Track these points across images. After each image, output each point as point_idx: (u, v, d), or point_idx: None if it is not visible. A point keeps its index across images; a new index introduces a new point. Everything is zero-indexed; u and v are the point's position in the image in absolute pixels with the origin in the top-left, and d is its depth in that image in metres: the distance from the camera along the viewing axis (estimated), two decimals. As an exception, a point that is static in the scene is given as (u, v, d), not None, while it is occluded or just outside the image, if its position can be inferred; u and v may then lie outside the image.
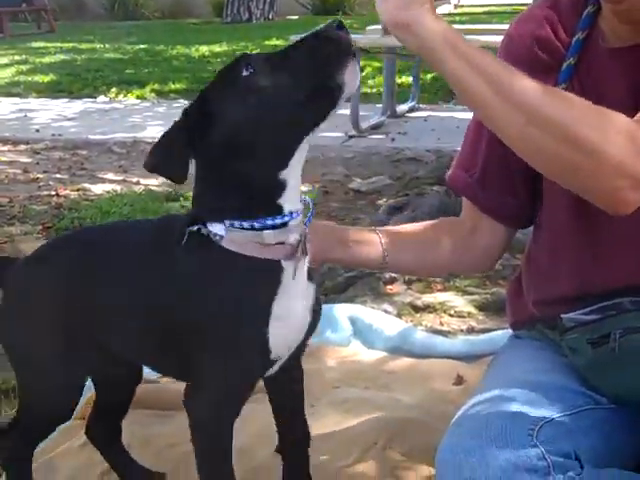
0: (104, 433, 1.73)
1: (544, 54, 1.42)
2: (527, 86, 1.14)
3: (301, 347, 1.41)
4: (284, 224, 1.26)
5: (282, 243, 1.27)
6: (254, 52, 1.28)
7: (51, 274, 1.48)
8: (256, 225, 1.25)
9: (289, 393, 1.53)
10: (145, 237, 1.42)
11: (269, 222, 1.25)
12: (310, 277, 1.35)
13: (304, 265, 1.31)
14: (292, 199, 1.27)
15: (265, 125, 1.20)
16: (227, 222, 1.26)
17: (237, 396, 1.36)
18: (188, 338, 1.32)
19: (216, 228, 1.27)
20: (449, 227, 1.65)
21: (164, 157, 1.24)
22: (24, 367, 1.52)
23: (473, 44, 1.17)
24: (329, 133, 5.35)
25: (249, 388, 1.37)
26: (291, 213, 1.27)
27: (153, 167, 1.24)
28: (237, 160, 1.22)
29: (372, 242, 1.57)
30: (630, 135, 1.13)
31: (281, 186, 1.25)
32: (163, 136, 1.25)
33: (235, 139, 1.21)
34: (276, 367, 1.36)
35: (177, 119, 1.26)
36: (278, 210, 1.26)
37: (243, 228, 1.26)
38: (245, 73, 1.21)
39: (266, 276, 1.27)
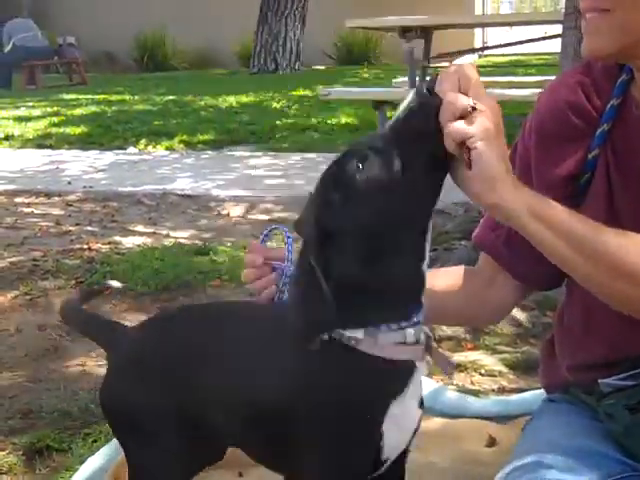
0: None
1: (578, 120, 1.43)
2: (611, 243, 1.18)
3: (406, 449, 1.34)
4: (418, 322, 1.19)
5: (417, 342, 1.19)
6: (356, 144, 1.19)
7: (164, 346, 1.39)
8: (403, 324, 1.17)
9: None
10: (262, 326, 1.33)
11: (415, 319, 1.18)
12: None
13: (424, 366, 1.24)
14: (421, 300, 1.20)
15: (388, 224, 1.13)
16: (371, 326, 1.17)
17: None
18: (305, 437, 1.23)
19: (352, 332, 1.17)
20: (463, 278, 1.62)
21: (311, 303, 1.15)
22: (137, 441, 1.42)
23: (553, 207, 1.19)
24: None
25: None
26: (420, 309, 1.20)
27: (304, 319, 1.17)
28: (376, 265, 1.14)
29: None
30: None
31: (423, 279, 1.18)
32: (296, 272, 1.19)
33: (372, 245, 1.13)
34: (383, 470, 1.28)
35: (299, 265, 1.17)
36: (420, 305, 1.19)
37: (390, 330, 1.17)
38: (357, 173, 1.12)
39: (399, 379, 1.19)
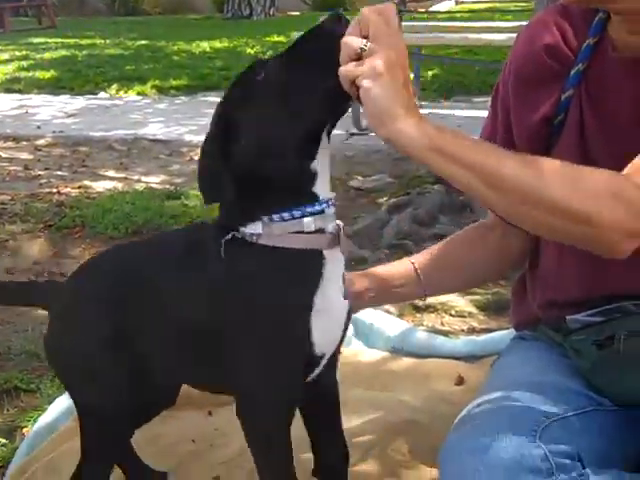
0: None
1: (553, 62, 1.42)
2: (513, 169, 1.16)
3: (336, 350, 1.39)
4: (321, 211, 1.27)
5: (322, 232, 1.27)
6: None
7: (96, 291, 1.45)
8: (295, 214, 1.26)
9: (324, 407, 1.49)
10: (181, 250, 1.39)
11: (308, 209, 1.26)
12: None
13: (341, 257, 1.31)
14: (325, 187, 1.28)
15: (285, 126, 1.22)
16: (265, 218, 1.26)
17: (289, 399, 1.34)
18: (234, 344, 1.30)
19: (251, 228, 1.27)
20: (480, 238, 1.65)
21: (210, 189, 1.27)
22: (82, 385, 1.47)
23: (455, 140, 1.16)
24: (330, 131, 5.36)
25: (299, 389, 1.34)
26: (327, 201, 1.28)
27: (207, 200, 1.28)
28: (268, 159, 1.24)
29: (411, 281, 1.60)
30: (614, 194, 1.16)
31: (313, 176, 1.26)
32: (200, 166, 1.28)
33: (263, 141, 1.23)
34: (321, 367, 1.34)
35: (204, 143, 1.28)
36: (314, 197, 1.26)
37: (283, 220, 1.26)
38: (258, 77, 1.23)
39: (308, 269, 1.27)
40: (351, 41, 1.14)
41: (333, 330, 1.32)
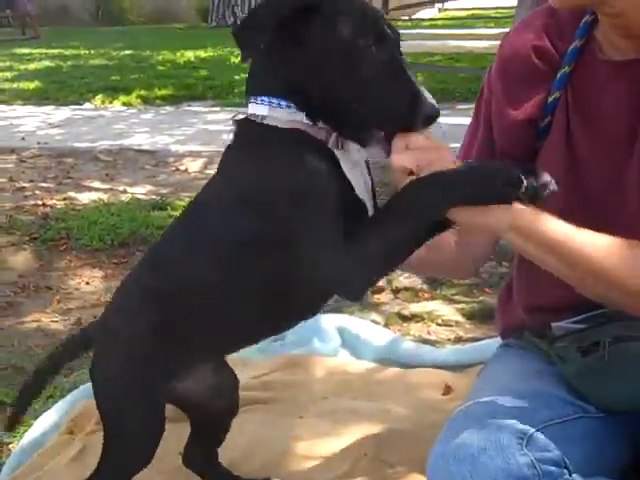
0: (200, 459, 1.73)
1: (542, 63, 1.43)
2: (584, 250, 1.24)
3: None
4: None
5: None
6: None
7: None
8: (293, 106, 1.24)
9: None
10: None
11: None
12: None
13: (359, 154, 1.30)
14: None
15: (349, 81, 1.21)
16: (270, 101, 1.25)
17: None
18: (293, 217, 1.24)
19: (257, 110, 1.26)
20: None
21: (249, 35, 1.21)
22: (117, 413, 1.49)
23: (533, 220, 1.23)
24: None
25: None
26: None
27: (237, 37, 1.21)
28: (321, 78, 1.21)
29: None
30: None
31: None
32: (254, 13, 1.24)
33: (320, 59, 1.20)
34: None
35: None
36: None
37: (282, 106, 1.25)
38: (370, 41, 1.20)
39: (324, 150, 1.26)
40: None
41: (363, 187, 1.30)
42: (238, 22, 1.19)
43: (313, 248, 1.24)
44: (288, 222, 1.24)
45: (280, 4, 1.19)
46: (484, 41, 4.88)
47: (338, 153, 1.26)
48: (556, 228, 1.24)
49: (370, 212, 1.28)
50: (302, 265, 1.27)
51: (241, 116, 1.31)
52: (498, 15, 9.30)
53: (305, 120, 1.25)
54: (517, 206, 1.20)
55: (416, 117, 1.21)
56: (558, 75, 1.40)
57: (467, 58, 7.55)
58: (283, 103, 1.24)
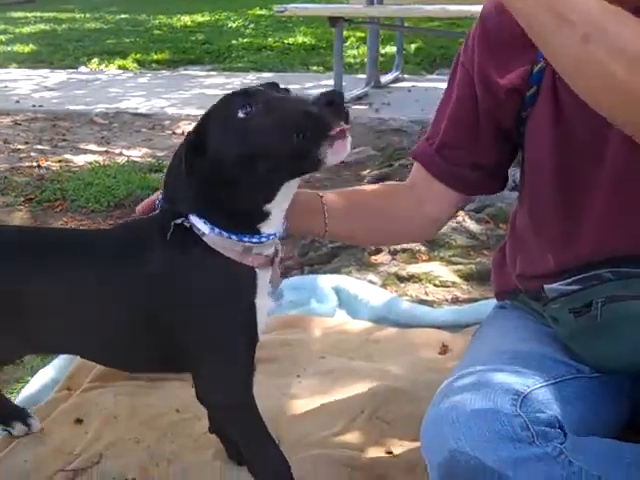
0: None
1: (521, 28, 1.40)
2: (589, 5, 1.09)
3: None
4: (259, 242, 1.35)
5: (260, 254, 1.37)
6: (253, 87, 1.31)
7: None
8: (233, 237, 1.33)
9: None
10: (112, 237, 1.48)
11: (245, 239, 1.34)
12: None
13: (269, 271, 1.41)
14: (274, 225, 1.35)
15: (251, 167, 1.26)
16: (213, 227, 1.33)
17: (249, 380, 1.45)
18: (181, 332, 1.39)
19: (200, 225, 1.34)
20: (395, 194, 1.63)
21: (174, 193, 1.31)
22: None
23: None
24: (313, 104, 5.32)
25: (252, 372, 1.46)
26: (270, 235, 1.36)
27: (168, 203, 1.33)
28: (225, 187, 1.29)
29: (315, 213, 1.54)
30: None
31: (264, 215, 1.33)
32: (169, 169, 1.33)
33: (225, 171, 1.27)
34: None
35: (179, 148, 1.31)
36: (258, 232, 1.34)
37: (223, 236, 1.33)
38: (241, 114, 1.25)
39: (246, 276, 1.37)
40: None
41: (265, 324, 1.45)
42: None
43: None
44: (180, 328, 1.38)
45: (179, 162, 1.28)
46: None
47: (260, 275, 1.37)
48: None
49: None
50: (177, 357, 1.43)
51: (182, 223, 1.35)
52: (498, -20, 9.20)
53: (238, 248, 1.34)
54: None
55: (323, 129, 1.19)
56: None
57: (467, 23, 7.49)
58: (224, 233, 1.33)
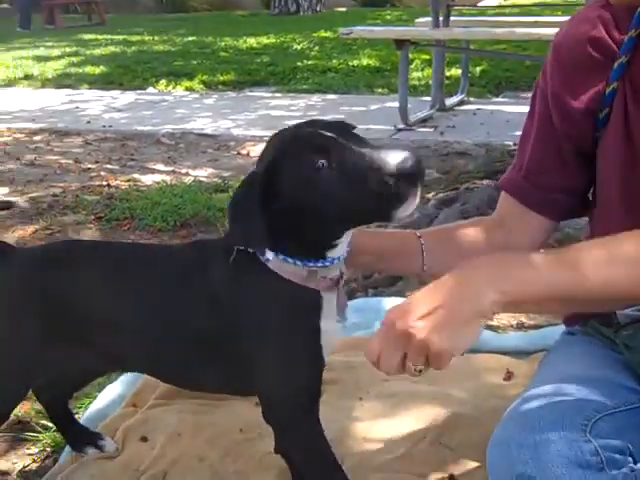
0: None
1: (597, 54, 1.40)
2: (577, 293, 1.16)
3: None
4: (325, 266, 1.38)
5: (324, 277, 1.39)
6: (327, 133, 1.29)
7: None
8: (299, 263, 1.36)
9: None
10: (181, 257, 1.51)
11: (310, 264, 1.36)
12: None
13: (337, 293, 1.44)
14: (340, 251, 1.38)
15: (326, 217, 1.30)
16: (277, 253, 1.36)
17: (312, 403, 1.47)
18: (245, 354, 1.41)
19: (264, 252, 1.37)
20: (486, 230, 1.61)
21: (246, 229, 1.32)
22: None
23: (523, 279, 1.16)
24: (377, 126, 5.34)
25: (318, 395, 1.48)
26: (335, 259, 1.38)
27: (238, 241, 1.36)
28: (297, 227, 1.32)
29: (412, 253, 1.55)
30: None
31: (332, 247, 1.37)
32: (236, 204, 1.33)
33: (298, 214, 1.30)
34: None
35: (247, 182, 1.33)
36: (324, 257, 1.37)
37: (288, 262, 1.36)
38: (319, 165, 1.27)
39: (310, 300, 1.39)
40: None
41: (332, 347, 1.50)
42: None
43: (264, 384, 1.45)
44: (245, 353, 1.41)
45: (253, 187, 1.30)
46: (551, 28, 4.79)
47: (326, 298, 1.39)
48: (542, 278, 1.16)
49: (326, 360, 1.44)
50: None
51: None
52: (565, 3, 9.11)
53: (303, 272, 1.36)
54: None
55: (395, 204, 1.25)
56: (615, 66, 1.37)
57: (534, 46, 7.45)
58: (289, 260, 1.36)
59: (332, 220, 1.31)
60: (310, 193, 1.28)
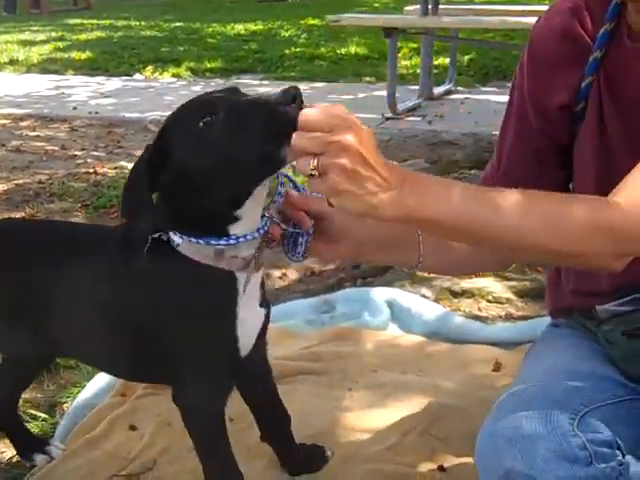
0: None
1: (571, 47, 1.39)
2: (496, 226, 1.14)
3: (262, 343, 1.53)
4: (229, 244, 1.33)
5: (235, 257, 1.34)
6: (216, 94, 1.27)
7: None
8: (202, 242, 1.32)
9: (257, 381, 1.64)
10: (105, 241, 1.50)
11: (213, 242, 1.32)
12: (262, 283, 1.45)
13: (260, 275, 1.41)
14: (245, 227, 1.32)
15: (216, 175, 1.24)
16: (182, 235, 1.33)
17: (221, 392, 1.47)
18: (160, 342, 1.40)
19: (174, 237, 1.34)
20: None
21: (133, 206, 1.29)
22: None
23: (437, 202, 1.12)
24: (365, 114, 5.32)
25: (229, 384, 1.48)
26: (243, 236, 1.32)
27: (126, 216, 1.32)
28: (191, 196, 1.28)
29: (410, 245, 1.50)
30: (598, 228, 1.14)
31: (234, 219, 1.31)
32: (128, 182, 1.30)
33: (189, 181, 1.26)
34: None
35: (139, 159, 1.29)
36: (228, 234, 1.32)
37: (196, 242, 1.33)
38: (201, 123, 1.22)
39: (224, 283, 1.36)
40: (302, 165, 1.08)
41: (252, 334, 1.45)
42: None
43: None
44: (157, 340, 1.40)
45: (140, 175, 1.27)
46: (532, 17, 4.79)
47: (241, 280, 1.36)
48: (461, 207, 1.13)
49: (244, 351, 1.42)
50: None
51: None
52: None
53: (209, 252, 1.32)
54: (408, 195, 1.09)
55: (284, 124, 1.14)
56: (590, 60, 1.37)
57: (521, 35, 7.45)
58: (193, 240, 1.32)
59: (226, 181, 1.24)
60: (196, 152, 1.24)
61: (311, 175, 1.07)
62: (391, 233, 1.42)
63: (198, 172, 1.24)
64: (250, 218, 1.31)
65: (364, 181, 1.06)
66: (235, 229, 1.31)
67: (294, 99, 1.15)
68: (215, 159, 1.22)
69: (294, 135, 1.08)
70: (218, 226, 1.31)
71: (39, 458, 1.82)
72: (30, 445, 1.84)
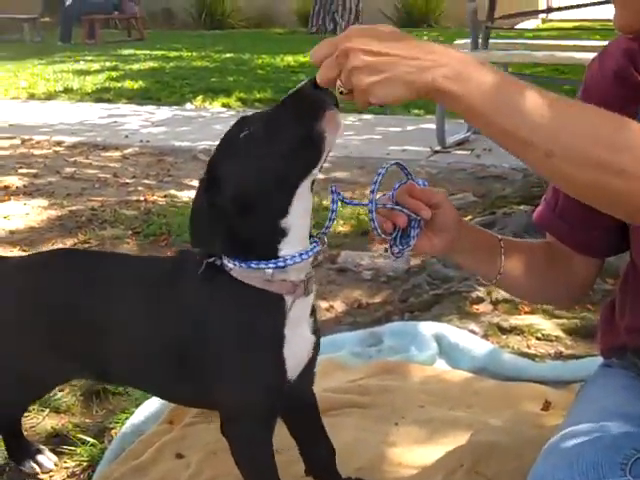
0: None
1: (624, 89, 1.38)
2: (543, 118, 1.08)
3: (309, 373, 1.53)
4: (283, 266, 1.35)
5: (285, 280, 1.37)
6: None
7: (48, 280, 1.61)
8: (253, 265, 1.35)
9: (303, 412, 1.62)
10: (160, 268, 1.57)
11: (262, 265, 1.34)
12: (313, 311, 1.46)
13: (310, 300, 1.43)
14: (294, 243, 1.34)
15: (259, 180, 1.29)
16: (234, 260, 1.36)
17: (268, 419, 1.47)
18: (206, 364, 1.43)
19: (226, 262, 1.38)
20: (546, 262, 1.58)
21: (199, 238, 1.36)
22: None
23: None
24: (414, 147, 5.34)
25: (276, 411, 1.48)
26: (292, 257, 1.34)
27: (196, 246, 1.38)
28: (242, 209, 1.31)
29: (494, 260, 1.51)
30: None
31: (282, 233, 1.33)
32: (191, 213, 1.36)
33: (242, 196, 1.30)
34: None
35: (197, 189, 1.36)
36: (275, 255, 1.34)
37: (243, 267, 1.36)
38: (242, 135, 1.29)
39: (273, 305, 1.38)
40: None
41: (300, 358, 1.45)
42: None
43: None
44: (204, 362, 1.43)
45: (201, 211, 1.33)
46: (591, 53, 4.78)
47: (289, 303, 1.37)
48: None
49: (291, 374, 1.42)
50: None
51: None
52: (602, 27, 9.08)
53: (265, 276, 1.35)
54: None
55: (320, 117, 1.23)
56: None
57: (572, 70, 7.41)
58: (244, 265, 1.35)
59: (270, 181, 1.28)
60: (241, 158, 1.29)
61: (342, 93, 1.14)
62: (481, 243, 1.44)
63: (245, 180, 1.29)
64: (298, 233, 1.34)
65: (379, 66, 1.10)
66: (284, 247, 1.33)
67: (315, 84, 1.20)
68: (259, 156, 1.27)
69: (318, 72, 1.16)
70: (268, 244, 1.34)
71: (28, 465, 1.88)
72: (23, 451, 1.90)
